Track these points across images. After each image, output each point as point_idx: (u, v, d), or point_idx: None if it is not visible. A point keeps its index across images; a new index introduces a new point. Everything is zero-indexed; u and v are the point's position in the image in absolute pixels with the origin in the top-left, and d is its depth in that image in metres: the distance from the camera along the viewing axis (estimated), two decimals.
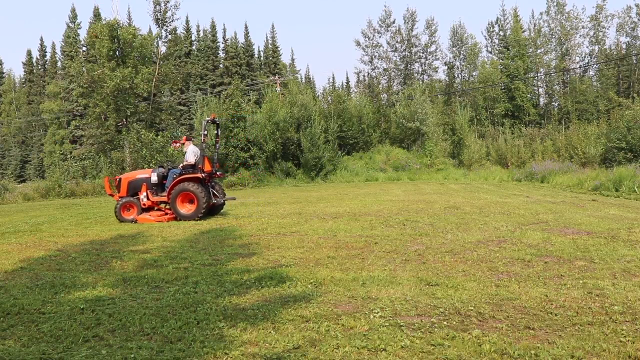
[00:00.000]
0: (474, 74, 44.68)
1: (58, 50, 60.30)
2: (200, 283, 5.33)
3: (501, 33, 44.70)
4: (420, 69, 45.73)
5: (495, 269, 5.61)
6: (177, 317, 4.19)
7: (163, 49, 35.79)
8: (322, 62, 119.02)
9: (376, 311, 4.20)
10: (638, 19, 40.32)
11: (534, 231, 8.04)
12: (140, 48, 31.68)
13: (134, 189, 11.88)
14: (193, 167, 11.76)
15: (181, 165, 12.04)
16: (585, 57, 43.45)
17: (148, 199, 11.75)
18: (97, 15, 47.75)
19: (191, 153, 11.97)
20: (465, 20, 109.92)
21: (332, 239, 7.99)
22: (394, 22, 44.50)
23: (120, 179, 12.11)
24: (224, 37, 60.91)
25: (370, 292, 4.78)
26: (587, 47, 44.15)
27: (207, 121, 12.05)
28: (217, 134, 12.94)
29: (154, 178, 11.82)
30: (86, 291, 5.14)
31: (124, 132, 30.46)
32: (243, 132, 28.31)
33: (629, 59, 40.90)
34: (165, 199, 11.65)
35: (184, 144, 12.34)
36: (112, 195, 12.45)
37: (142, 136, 28.53)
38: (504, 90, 41.07)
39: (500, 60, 42.49)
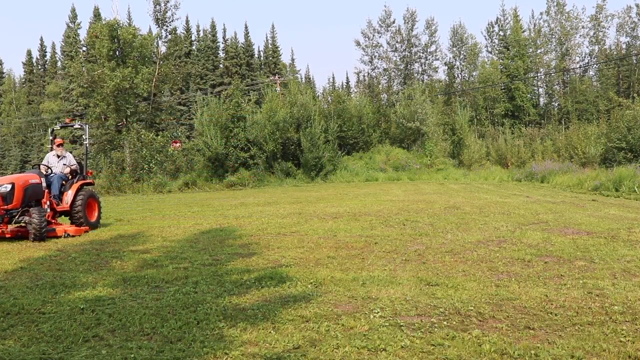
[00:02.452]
0: (474, 74, 44.71)
1: (58, 50, 60.44)
2: (200, 283, 5.32)
3: (501, 33, 44.71)
4: (420, 69, 45.76)
5: (495, 269, 5.61)
6: (177, 317, 4.19)
7: (163, 49, 35.84)
8: (322, 62, 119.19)
9: (376, 311, 4.20)
10: (638, 19, 40.35)
11: (534, 231, 8.04)
12: (140, 48, 31.71)
13: (29, 199, 9.12)
14: (77, 173, 10.47)
15: (66, 170, 10.29)
16: (585, 57, 43.52)
17: (52, 208, 9.65)
18: (97, 15, 47.81)
19: (73, 158, 10.70)
20: (465, 20, 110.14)
21: (332, 239, 7.99)
22: (394, 22, 44.57)
23: (13, 184, 8.96)
24: (224, 37, 61.01)
25: (370, 292, 4.78)
26: (587, 47, 44.28)
27: (62, 126, 11.44)
28: (83, 138, 11.36)
29: (44, 184, 9.60)
30: (86, 291, 5.14)
31: (124, 132, 30.48)
32: (243, 132, 28.30)
33: (629, 59, 40.90)
34: (66, 208, 9.87)
35: (62, 144, 10.60)
36: None
37: (142, 136, 28.55)
38: (504, 90, 41.08)
39: (500, 60, 42.49)
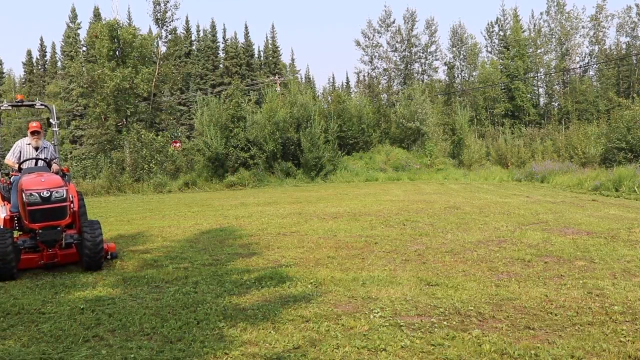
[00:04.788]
0: (474, 74, 44.69)
1: (58, 50, 60.33)
2: (200, 283, 5.33)
3: (501, 33, 44.70)
4: (420, 69, 45.73)
5: (495, 269, 5.62)
6: (177, 317, 4.19)
7: (163, 49, 35.80)
8: (322, 62, 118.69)
9: (376, 311, 4.20)
10: (638, 19, 40.34)
11: (534, 231, 8.04)
12: (140, 48, 31.68)
13: None
14: (64, 172, 7.31)
15: (55, 168, 7.13)
16: (585, 57, 43.54)
17: None
18: (97, 15, 47.74)
19: (54, 150, 7.81)
20: (465, 20, 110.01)
21: (332, 239, 7.99)
22: (394, 22, 44.49)
23: (65, 189, 6.29)
24: (224, 37, 60.94)
25: (370, 292, 4.78)
26: (587, 47, 44.23)
27: (12, 105, 7.76)
28: (50, 122, 7.96)
29: None
30: (86, 291, 5.14)
31: (124, 132, 30.46)
32: (243, 132, 28.30)
33: (629, 59, 40.89)
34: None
35: (38, 131, 7.49)
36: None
37: (142, 136, 28.54)
38: (504, 90, 41.08)
39: (500, 60, 42.50)
